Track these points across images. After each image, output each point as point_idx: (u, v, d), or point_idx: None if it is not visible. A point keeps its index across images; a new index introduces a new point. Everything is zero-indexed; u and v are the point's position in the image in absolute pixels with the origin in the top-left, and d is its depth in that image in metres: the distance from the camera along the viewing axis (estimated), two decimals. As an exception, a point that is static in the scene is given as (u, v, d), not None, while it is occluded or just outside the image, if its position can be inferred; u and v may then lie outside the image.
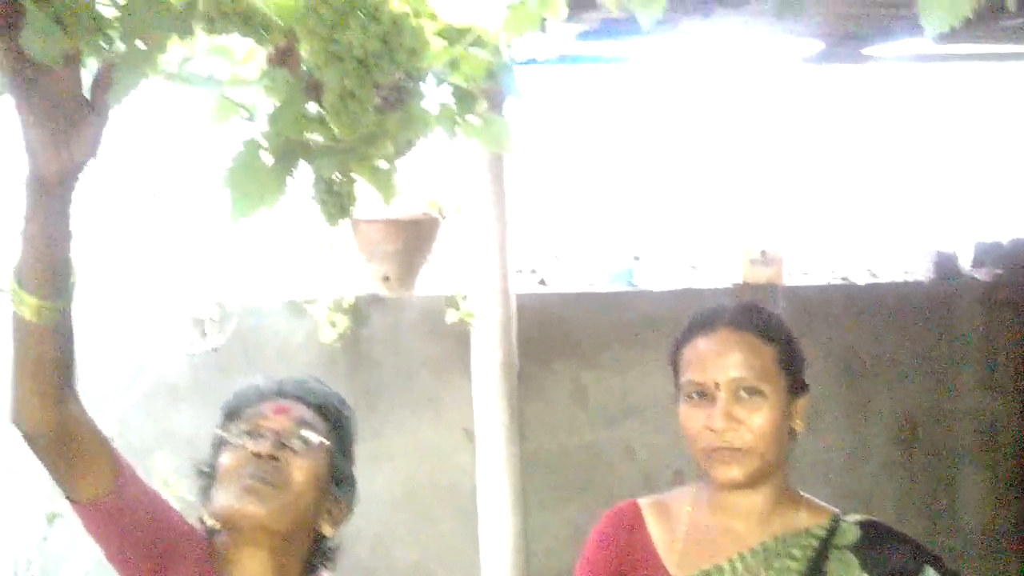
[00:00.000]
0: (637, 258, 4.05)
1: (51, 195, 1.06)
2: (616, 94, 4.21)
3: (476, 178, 3.27)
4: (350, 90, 1.09)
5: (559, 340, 3.60)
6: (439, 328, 3.37)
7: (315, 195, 1.70)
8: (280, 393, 1.44)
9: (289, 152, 1.61)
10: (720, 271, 4.03)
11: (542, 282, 4.06)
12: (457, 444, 3.44)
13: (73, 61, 1.01)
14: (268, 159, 1.59)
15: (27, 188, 1.07)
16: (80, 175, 1.07)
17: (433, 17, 1.78)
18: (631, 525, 1.55)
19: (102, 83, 1.05)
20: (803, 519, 1.50)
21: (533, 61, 1.66)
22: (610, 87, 4.15)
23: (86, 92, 1.06)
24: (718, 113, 4.60)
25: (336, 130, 1.21)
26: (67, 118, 1.02)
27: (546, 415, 3.56)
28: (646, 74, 3.86)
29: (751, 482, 1.45)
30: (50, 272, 1.11)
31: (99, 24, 0.97)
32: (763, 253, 3.75)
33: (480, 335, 3.27)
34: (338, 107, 1.14)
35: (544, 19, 1.56)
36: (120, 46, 1.04)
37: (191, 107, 1.73)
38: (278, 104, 1.54)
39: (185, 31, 1.24)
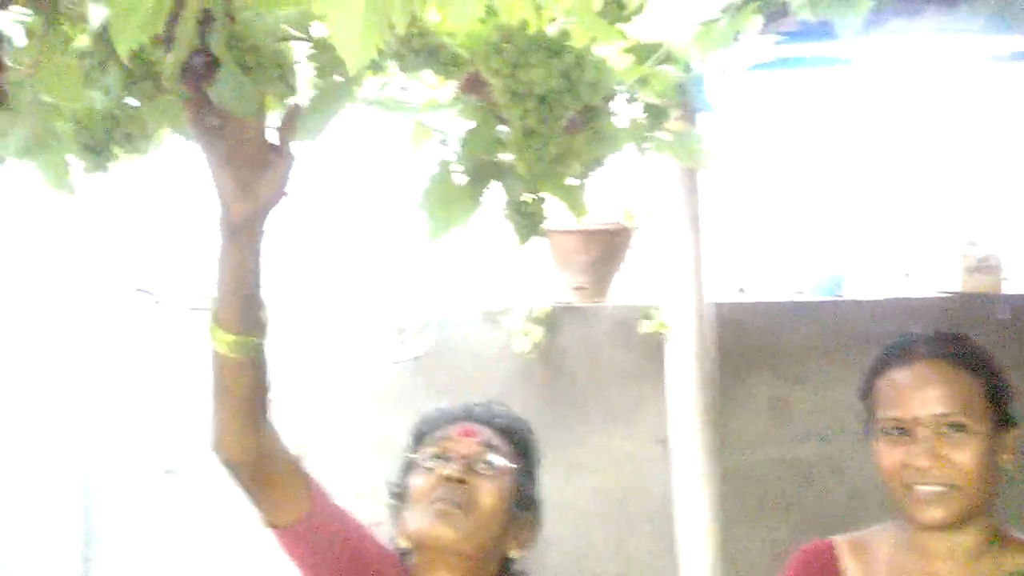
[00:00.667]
0: (845, 265, 3.88)
1: (240, 236, 1.11)
2: (821, 97, 4.04)
3: (669, 185, 3.22)
4: (532, 128, 1.09)
5: (759, 351, 3.49)
6: (633, 338, 3.34)
7: (506, 214, 1.72)
8: (467, 417, 1.46)
9: (481, 173, 1.64)
10: (935, 279, 3.80)
11: (742, 290, 3.95)
12: (652, 456, 3.40)
13: (259, 108, 1.06)
14: (461, 180, 1.62)
15: (218, 229, 1.12)
16: (268, 215, 1.12)
17: (622, 35, 1.76)
18: (823, 567, 1.48)
19: (287, 126, 1.09)
20: (1016, 562, 1.39)
21: (728, 71, 1.62)
22: (815, 89, 3.98)
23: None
24: (927, 114, 4.34)
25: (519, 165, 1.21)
26: (253, 163, 1.06)
27: (745, 429, 3.47)
28: (852, 75, 3.69)
29: (957, 522, 1.36)
30: (243, 309, 1.16)
31: (284, 74, 1.00)
32: (981, 260, 3.51)
33: (675, 345, 3.21)
34: (521, 144, 1.14)
35: (737, 33, 1.51)
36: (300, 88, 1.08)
37: (389, 131, 1.79)
38: (470, 127, 1.57)
39: (378, 67, 1.28)
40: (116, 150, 1.01)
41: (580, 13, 1.09)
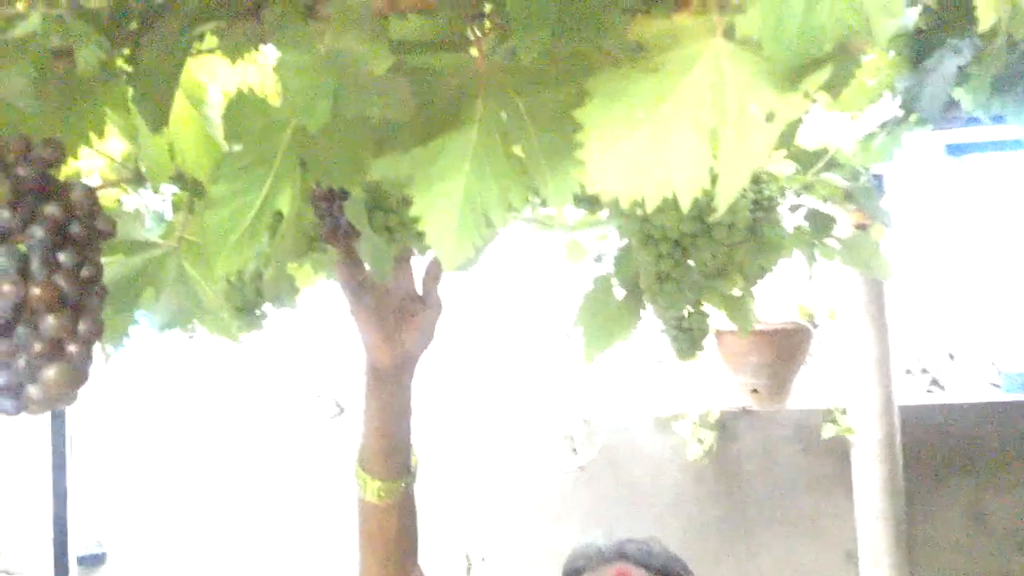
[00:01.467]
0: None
1: (386, 384, 1.11)
2: (1009, 181, 3.81)
3: (850, 280, 3.09)
4: (666, 272, 1.05)
5: (952, 455, 3.25)
6: (814, 443, 3.19)
7: (665, 329, 1.67)
8: (621, 556, 1.40)
9: (639, 287, 1.60)
10: None
11: (934, 382, 3.73)
12: (838, 568, 3.20)
13: (404, 261, 1.06)
14: (620, 293, 1.59)
15: (365, 376, 1.12)
16: (415, 364, 1.11)
17: (784, 143, 1.70)
18: None
19: (432, 275, 1.09)
20: None
21: (900, 170, 1.53)
22: (1003, 173, 3.77)
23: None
24: None
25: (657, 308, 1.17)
26: (399, 313, 1.07)
27: (939, 539, 3.22)
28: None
29: None
30: (389, 454, 1.15)
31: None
32: None
33: (861, 450, 3.05)
34: (655, 289, 1.10)
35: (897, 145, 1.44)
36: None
37: (545, 248, 1.78)
38: (625, 245, 1.53)
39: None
40: (266, 309, 1.04)
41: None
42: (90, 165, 0.94)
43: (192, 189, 0.84)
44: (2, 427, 3.12)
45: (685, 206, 0.47)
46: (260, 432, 3.27)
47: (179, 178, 0.84)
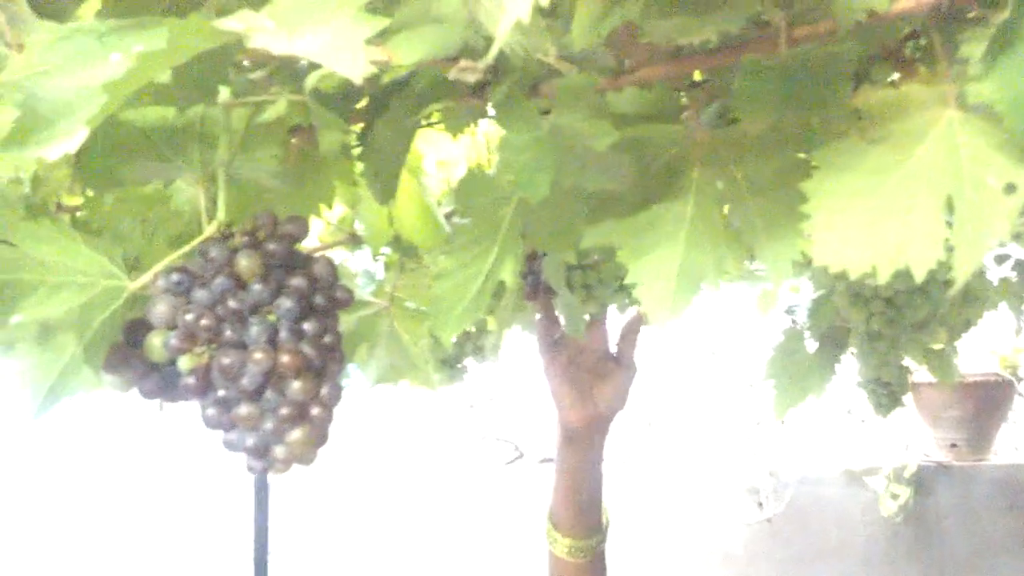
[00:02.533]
0: None
1: (577, 443, 1.11)
2: None
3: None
4: (878, 331, 1.02)
5: None
6: (1020, 501, 2.99)
7: (862, 383, 1.61)
8: None
9: (834, 338, 1.56)
10: None
11: None
12: (1049, 638, 2.98)
13: (599, 321, 1.07)
14: (813, 346, 1.55)
15: (558, 434, 1.13)
16: (608, 424, 1.11)
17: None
18: None
19: (629, 336, 1.09)
20: None
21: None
22: None
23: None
24: None
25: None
26: (592, 372, 1.07)
27: None
28: None
29: None
30: (580, 513, 1.16)
31: (622, 287, 1.02)
32: None
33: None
34: (866, 349, 1.07)
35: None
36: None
37: (735, 299, 1.76)
38: (819, 296, 1.50)
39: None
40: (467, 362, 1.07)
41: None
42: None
43: (407, 252, 0.89)
44: (205, 468, 3.30)
45: (919, 277, 0.46)
46: (439, 474, 3.34)
47: (395, 241, 0.88)
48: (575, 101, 0.55)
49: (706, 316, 3.03)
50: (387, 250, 0.93)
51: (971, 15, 0.52)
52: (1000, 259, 1.68)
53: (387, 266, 0.99)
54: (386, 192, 0.64)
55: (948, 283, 1.08)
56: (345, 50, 0.38)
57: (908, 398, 3.10)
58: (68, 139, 0.42)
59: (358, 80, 0.37)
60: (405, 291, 0.93)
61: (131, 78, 0.41)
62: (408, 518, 3.33)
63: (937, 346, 1.59)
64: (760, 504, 3.11)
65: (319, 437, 0.56)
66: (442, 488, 3.33)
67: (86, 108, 0.42)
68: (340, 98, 0.66)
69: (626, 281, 0.58)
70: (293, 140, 0.68)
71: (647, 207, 0.58)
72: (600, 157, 0.54)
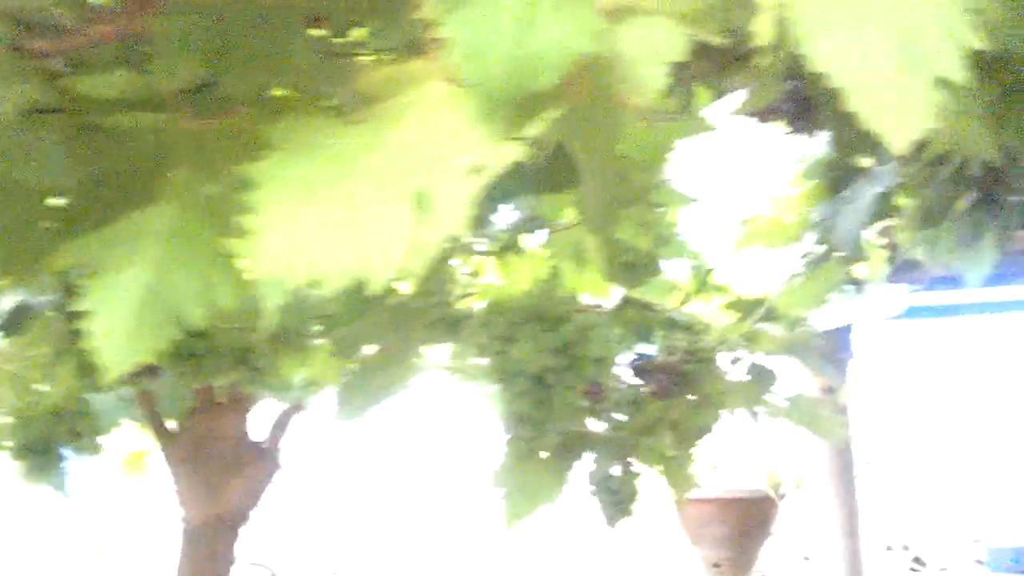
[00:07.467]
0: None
1: (198, 545, 0.96)
2: (962, 344, 3.75)
3: (816, 447, 2.93)
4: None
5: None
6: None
7: (592, 491, 1.51)
8: None
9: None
10: None
11: (917, 559, 3.53)
12: None
13: (236, 405, 0.93)
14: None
15: (180, 532, 0.97)
16: (238, 528, 0.96)
17: (723, 290, 1.59)
18: None
19: (281, 425, 0.96)
20: None
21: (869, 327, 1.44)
22: (957, 336, 3.70)
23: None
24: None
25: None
26: (223, 464, 0.92)
27: None
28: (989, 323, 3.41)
29: None
30: None
31: (245, 359, 0.86)
32: None
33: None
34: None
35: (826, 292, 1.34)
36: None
37: (465, 399, 1.64)
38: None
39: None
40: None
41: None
42: None
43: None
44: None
45: (375, 288, 0.34)
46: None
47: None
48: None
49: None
50: None
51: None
52: (735, 361, 1.65)
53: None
54: None
55: (603, 360, 0.96)
56: None
57: (672, 515, 3.05)
58: None
59: None
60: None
61: None
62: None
63: (670, 453, 1.52)
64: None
65: None
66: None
67: None
68: None
69: (80, 309, 0.44)
70: None
71: (127, 215, 0.45)
72: (24, 139, 0.41)
